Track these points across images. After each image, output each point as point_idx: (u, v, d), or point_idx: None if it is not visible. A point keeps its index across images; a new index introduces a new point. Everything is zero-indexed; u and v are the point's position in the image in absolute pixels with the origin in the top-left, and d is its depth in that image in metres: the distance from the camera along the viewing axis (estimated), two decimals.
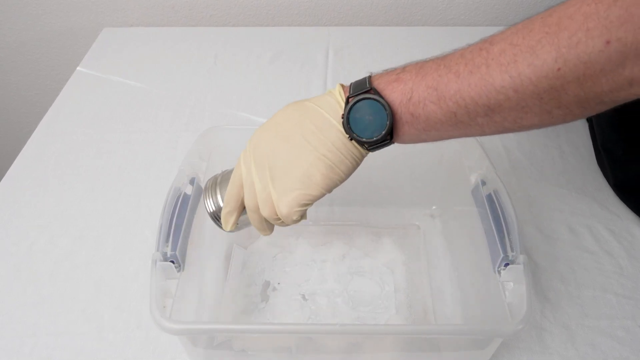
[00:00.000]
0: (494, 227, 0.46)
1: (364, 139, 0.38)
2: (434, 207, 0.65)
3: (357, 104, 0.38)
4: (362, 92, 0.38)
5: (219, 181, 0.46)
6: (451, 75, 0.35)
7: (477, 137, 0.56)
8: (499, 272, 0.44)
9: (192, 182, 0.52)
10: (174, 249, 0.46)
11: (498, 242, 0.45)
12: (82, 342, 0.52)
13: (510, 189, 0.49)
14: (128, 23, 1.03)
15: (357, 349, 0.49)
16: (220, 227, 0.46)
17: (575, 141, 0.73)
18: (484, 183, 0.51)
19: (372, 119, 0.38)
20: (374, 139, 0.38)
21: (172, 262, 0.45)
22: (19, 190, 0.68)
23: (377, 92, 0.38)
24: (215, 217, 0.46)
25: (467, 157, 0.55)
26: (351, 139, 0.39)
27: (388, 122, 0.37)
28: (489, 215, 0.47)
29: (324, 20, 1.03)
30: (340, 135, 0.39)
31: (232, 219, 0.44)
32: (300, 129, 0.40)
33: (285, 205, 0.40)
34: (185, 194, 0.50)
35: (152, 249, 0.45)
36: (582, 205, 0.64)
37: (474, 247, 0.52)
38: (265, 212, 0.41)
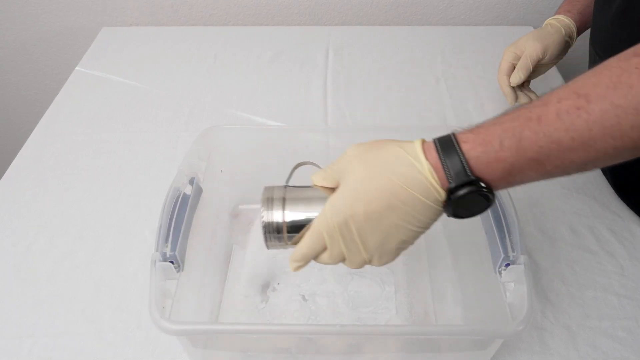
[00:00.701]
0: (494, 228, 0.46)
1: (463, 217, 0.38)
2: None
3: (463, 197, 0.36)
4: (465, 183, 0.36)
5: (287, 199, 0.43)
6: (553, 146, 0.34)
7: None
8: (500, 273, 0.44)
9: (191, 182, 0.52)
10: (173, 249, 0.45)
11: (499, 242, 0.45)
12: (81, 343, 0.52)
13: (511, 189, 0.49)
14: (127, 22, 1.03)
15: (357, 349, 0.49)
16: (269, 241, 0.43)
17: None
18: None
19: (475, 204, 0.37)
20: (474, 214, 0.38)
21: (172, 262, 0.45)
22: (18, 190, 0.68)
23: (479, 181, 0.36)
24: (272, 230, 0.42)
25: None
26: (449, 216, 0.38)
27: (490, 204, 0.37)
28: (490, 215, 0.47)
29: (324, 19, 1.03)
30: (437, 210, 0.38)
31: (301, 267, 0.42)
32: (393, 213, 0.37)
33: (380, 264, 0.40)
34: (184, 194, 0.50)
35: (152, 249, 0.45)
36: (583, 206, 0.64)
37: (474, 248, 0.52)
38: (353, 267, 0.41)
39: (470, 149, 0.36)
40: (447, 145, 0.37)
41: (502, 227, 0.46)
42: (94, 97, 0.83)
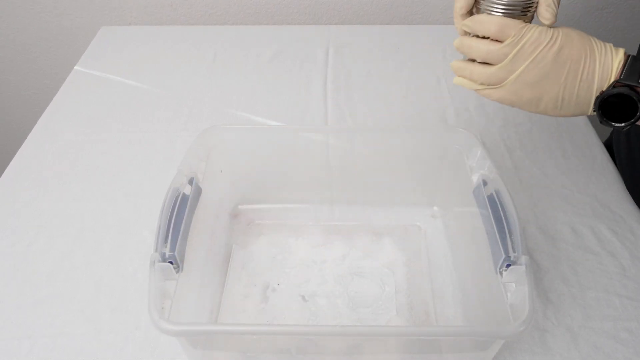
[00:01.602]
0: (495, 228, 0.46)
1: (602, 120, 0.41)
2: (435, 208, 0.65)
3: (616, 94, 0.40)
4: (630, 84, 0.40)
5: None
6: None
7: (479, 136, 0.55)
8: (501, 273, 0.44)
9: (190, 182, 0.52)
10: (172, 249, 0.45)
11: (500, 242, 0.44)
12: (80, 343, 0.52)
13: (512, 189, 0.49)
14: (126, 22, 1.03)
15: (357, 350, 0.48)
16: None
17: (578, 141, 0.73)
18: (485, 183, 0.50)
19: (623, 108, 0.40)
20: (612, 125, 0.41)
21: (171, 262, 0.45)
22: (17, 190, 0.68)
23: None
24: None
25: (469, 157, 0.55)
26: (594, 111, 0.42)
27: (633, 121, 0.40)
28: (491, 215, 0.47)
29: (324, 18, 1.02)
30: (587, 107, 0.42)
31: (462, 31, 0.47)
32: (563, 74, 0.42)
33: (498, 97, 0.44)
34: (184, 194, 0.50)
35: (151, 250, 0.45)
36: (584, 206, 0.64)
37: (475, 248, 0.51)
38: (488, 74, 0.44)
39: None
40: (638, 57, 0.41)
41: (503, 228, 0.45)
42: (92, 96, 0.83)
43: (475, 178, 0.52)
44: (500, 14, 0.45)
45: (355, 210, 0.65)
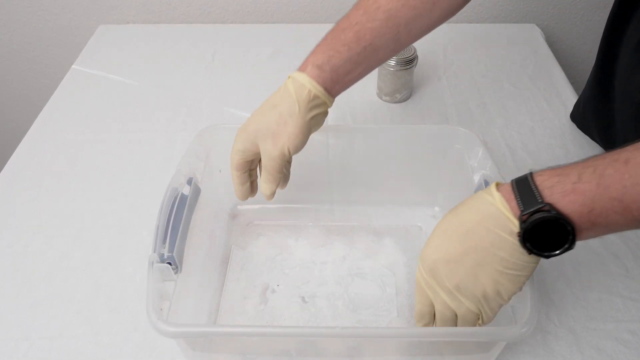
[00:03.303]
0: None
1: (545, 253, 0.37)
2: (436, 208, 0.64)
3: (536, 224, 0.35)
4: (537, 209, 0.35)
5: None
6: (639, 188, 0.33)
7: (481, 136, 0.55)
8: None
9: (189, 182, 0.51)
10: (171, 250, 0.45)
11: None
12: (78, 345, 0.51)
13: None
14: (124, 20, 1.02)
15: (358, 352, 0.48)
16: None
17: (580, 140, 0.72)
18: (487, 183, 0.50)
19: (552, 235, 0.36)
20: (557, 253, 0.37)
21: (169, 263, 0.44)
22: (14, 190, 0.67)
23: (553, 208, 0.35)
24: None
25: (470, 157, 0.54)
26: (530, 253, 0.37)
27: (571, 238, 0.36)
28: None
29: (324, 17, 1.02)
30: (517, 247, 0.37)
31: (427, 324, 0.44)
32: (473, 252, 0.38)
33: (492, 313, 0.41)
34: (182, 194, 0.50)
35: (149, 250, 0.44)
36: None
37: None
38: (466, 323, 0.42)
39: (544, 180, 0.36)
40: (520, 179, 0.38)
41: None
42: (90, 95, 0.83)
43: (477, 178, 0.52)
44: (393, 70, 0.75)
45: (355, 210, 0.65)
